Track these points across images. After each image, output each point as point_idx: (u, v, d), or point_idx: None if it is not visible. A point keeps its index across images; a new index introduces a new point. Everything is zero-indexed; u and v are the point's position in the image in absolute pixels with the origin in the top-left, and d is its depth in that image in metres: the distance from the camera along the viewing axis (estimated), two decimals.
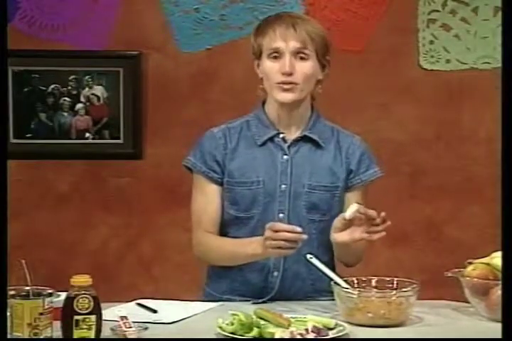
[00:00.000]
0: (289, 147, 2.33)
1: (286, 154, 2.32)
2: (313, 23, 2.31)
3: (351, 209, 2.13)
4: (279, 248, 2.10)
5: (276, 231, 2.09)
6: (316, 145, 2.35)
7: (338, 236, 2.18)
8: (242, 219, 2.31)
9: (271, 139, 2.33)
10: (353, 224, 2.15)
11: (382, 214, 2.13)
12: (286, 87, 2.25)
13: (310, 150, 2.34)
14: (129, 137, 3.61)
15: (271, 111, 2.35)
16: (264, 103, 2.38)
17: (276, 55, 2.26)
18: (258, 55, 2.31)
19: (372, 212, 2.13)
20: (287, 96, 2.27)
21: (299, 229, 2.10)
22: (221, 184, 2.33)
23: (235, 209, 2.32)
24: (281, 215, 2.29)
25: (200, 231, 2.34)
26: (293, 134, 2.35)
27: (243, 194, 2.30)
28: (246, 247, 2.23)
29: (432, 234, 3.64)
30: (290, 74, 2.24)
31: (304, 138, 2.34)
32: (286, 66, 2.24)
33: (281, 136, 2.34)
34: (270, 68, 2.27)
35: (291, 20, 2.27)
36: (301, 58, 2.26)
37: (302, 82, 2.26)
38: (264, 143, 2.33)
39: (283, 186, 2.30)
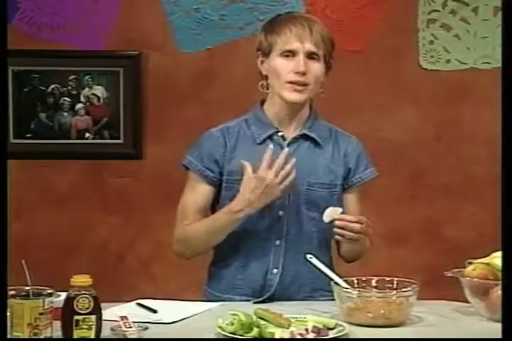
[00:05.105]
0: (288, 145, 2.33)
1: None
2: (322, 25, 2.32)
3: (326, 213, 2.19)
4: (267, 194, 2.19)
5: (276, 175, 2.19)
6: (315, 143, 2.35)
7: None
8: None
9: (270, 137, 2.34)
10: None
11: (361, 218, 2.19)
12: (298, 88, 2.26)
13: (309, 149, 2.35)
14: (129, 137, 3.62)
15: (270, 111, 2.36)
16: (262, 103, 2.38)
17: (289, 54, 2.26)
18: (267, 53, 2.30)
19: (349, 217, 2.18)
20: (297, 97, 2.27)
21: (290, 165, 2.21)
22: (214, 185, 2.33)
23: None
24: (280, 212, 2.29)
25: (182, 225, 2.34)
26: (292, 133, 2.35)
27: None
28: (221, 215, 2.25)
29: (432, 234, 3.64)
30: (303, 74, 2.25)
31: (302, 137, 2.35)
32: (300, 65, 2.24)
33: (280, 134, 2.34)
34: (282, 66, 2.27)
35: (306, 21, 2.28)
36: (313, 59, 2.27)
37: (313, 83, 2.27)
38: (263, 141, 2.33)
39: None
